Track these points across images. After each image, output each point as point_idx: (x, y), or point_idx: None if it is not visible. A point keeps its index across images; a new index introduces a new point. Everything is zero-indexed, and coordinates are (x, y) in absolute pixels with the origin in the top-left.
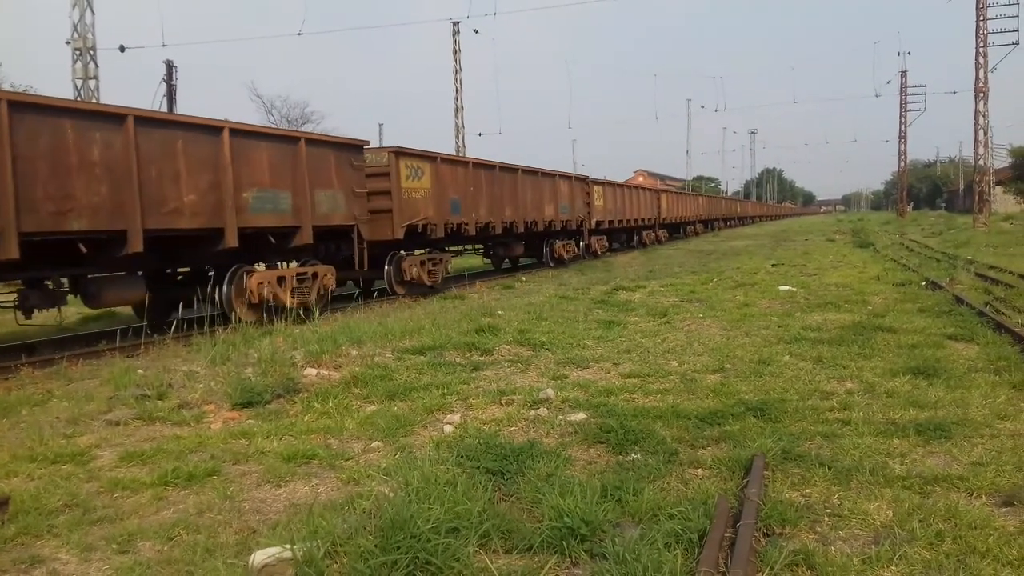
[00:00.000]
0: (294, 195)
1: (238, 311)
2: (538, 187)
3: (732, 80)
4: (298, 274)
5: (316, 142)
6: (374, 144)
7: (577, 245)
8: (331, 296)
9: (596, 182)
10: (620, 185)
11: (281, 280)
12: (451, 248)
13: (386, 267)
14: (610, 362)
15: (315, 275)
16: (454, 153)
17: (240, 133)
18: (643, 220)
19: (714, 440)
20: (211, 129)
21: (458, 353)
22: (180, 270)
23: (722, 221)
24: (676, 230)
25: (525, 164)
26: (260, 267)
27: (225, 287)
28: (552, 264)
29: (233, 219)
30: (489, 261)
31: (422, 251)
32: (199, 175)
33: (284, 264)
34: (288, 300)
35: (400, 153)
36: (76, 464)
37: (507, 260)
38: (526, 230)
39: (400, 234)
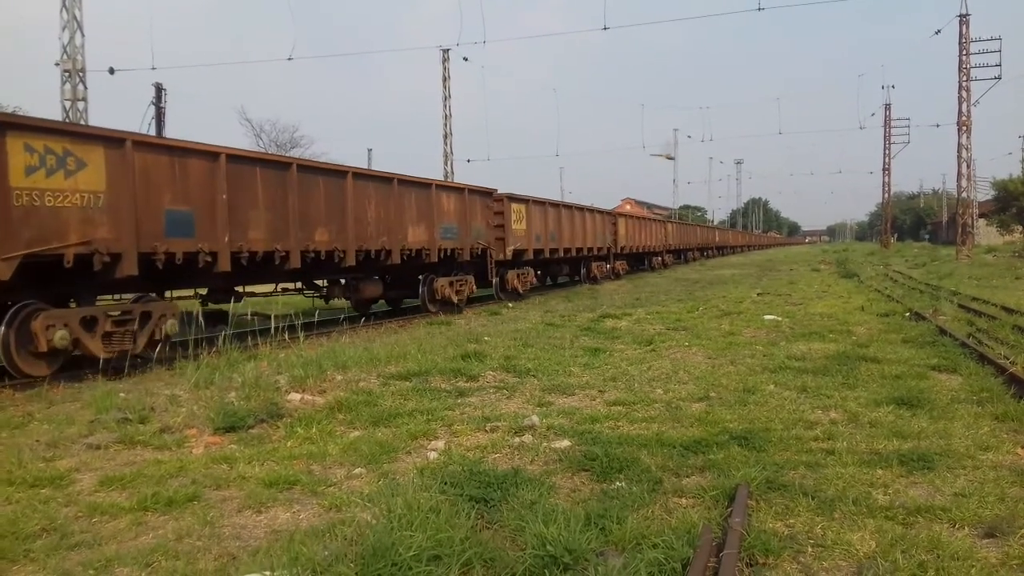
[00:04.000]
0: None
1: None
2: (393, 201)
3: (718, 111)
4: None
5: None
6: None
7: (484, 281)
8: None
9: (515, 199)
10: (556, 204)
11: None
12: (243, 289)
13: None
14: (595, 389)
15: None
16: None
17: None
18: (592, 249)
19: (698, 469)
20: None
21: (443, 379)
22: None
23: (698, 251)
24: (640, 261)
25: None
26: None
27: None
28: (433, 309)
29: None
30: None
31: (125, 298)
32: None
33: None
34: None
35: (8, 124)
36: (55, 488)
37: (391, 302)
38: (369, 261)
39: (3, 272)
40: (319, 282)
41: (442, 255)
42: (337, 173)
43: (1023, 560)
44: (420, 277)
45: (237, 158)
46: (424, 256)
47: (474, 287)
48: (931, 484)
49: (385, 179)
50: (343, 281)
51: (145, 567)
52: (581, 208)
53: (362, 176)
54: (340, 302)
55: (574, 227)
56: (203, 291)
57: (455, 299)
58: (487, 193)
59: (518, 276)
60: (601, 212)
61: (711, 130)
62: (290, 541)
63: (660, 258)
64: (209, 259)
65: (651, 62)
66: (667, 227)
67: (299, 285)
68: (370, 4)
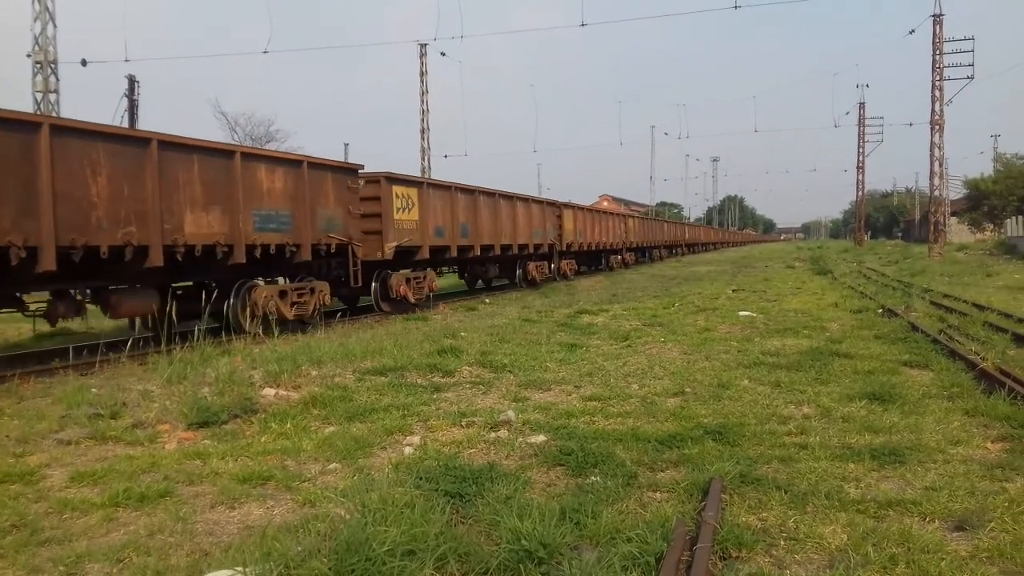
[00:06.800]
0: None
1: None
2: (151, 173)
3: (695, 108)
4: None
5: None
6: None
7: (343, 290)
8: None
9: (398, 180)
10: (471, 190)
11: None
12: None
13: None
14: (571, 385)
15: None
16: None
17: None
18: (528, 247)
19: (673, 463)
20: None
21: (419, 374)
22: None
23: (666, 249)
24: (595, 260)
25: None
26: None
27: None
28: (251, 328)
29: None
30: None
31: None
32: None
33: None
34: None
35: None
36: (25, 484)
37: (218, 316)
38: (100, 262)
39: None
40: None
41: (258, 253)
42: (14, 124)
43: (993, 553)
44: (233, 288)
45: None
46: (221, 254)
47: (328, 297)
48: (902, 478)
49: (134, 140)
50: (74, 292)
51: (116, 563)
52: (510, 196)
53: (75, 132)
54: (86, 322)
55: (499, 219)
56: None
57: (289, 314)
58: (347, 170)
59: (408, 281)
60: (540, 202)
61: (688, 127)
62: (263, 537)
63: (620, 257)
64: None
65: (628, 59)
66: (628, 222)
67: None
68: None
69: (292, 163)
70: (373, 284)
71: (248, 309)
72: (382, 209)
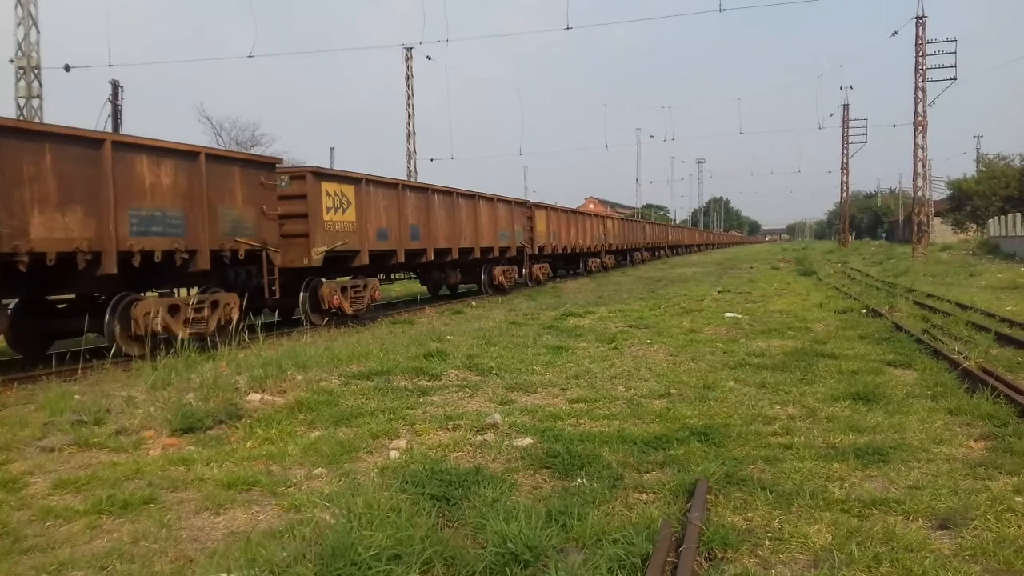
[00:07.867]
0: None
1: None
2: None
3: (680, 111)
4: None
5: None
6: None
7: (266, 302)
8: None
9: (327, 176)
10: (422, 188)
11: None
12: None
13: None
14: (558, 387)
15: None
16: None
17: None
18: (494, 250)
19: (659, 465)
20: None
21: (406, 378)
22: None
23: (648, 252)
24: (573, 264)
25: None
26: None
27: None
28: (133, 350)
29: None
30: None
31: None
32: None
33: None
34: None
35: None
36: (7, 491)
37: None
38: None
39: None
40: None
41: (136, 262)
42: None
43: (976, 551)
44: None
45: None
46: (84, 263)
47: (235, 312)
48: (886, 477)
49: None
50: None
51: (100, 570)
52: (471, 195)
53: None
54: None
55: (458, 220)
56: None
57: (182, 332)
58: (261, 164)
59: (344, 290)
60: (508, 202)
61: (673, 130)
62: (248, 542)
63: (598, 260)
64: None
65: (614, 63)
66: (607, 223)
67: None
68: (333, 1)
69: (185, 155)
70: (302, 294)
71: (127, 325)
72: (309, 209)
